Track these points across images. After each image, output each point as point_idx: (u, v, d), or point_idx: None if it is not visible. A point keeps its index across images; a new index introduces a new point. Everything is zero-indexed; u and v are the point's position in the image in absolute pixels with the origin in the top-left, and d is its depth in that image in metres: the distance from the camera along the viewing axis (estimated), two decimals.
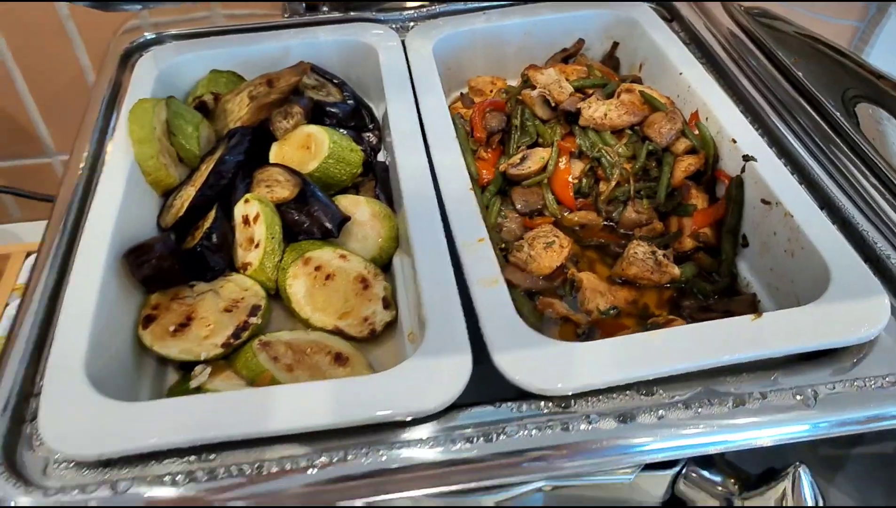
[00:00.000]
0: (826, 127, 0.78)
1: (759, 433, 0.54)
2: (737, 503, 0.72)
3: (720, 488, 0.73)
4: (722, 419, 0.54)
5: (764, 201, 0.71)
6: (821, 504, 0.70)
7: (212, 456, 0.53)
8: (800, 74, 0.85)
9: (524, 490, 0.73)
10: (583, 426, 0.54)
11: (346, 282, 0.72)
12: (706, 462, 0.73)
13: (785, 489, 0.69)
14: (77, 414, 0.54)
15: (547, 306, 0.71)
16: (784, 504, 0.69)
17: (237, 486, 0.51)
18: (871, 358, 0.58)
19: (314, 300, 0.71)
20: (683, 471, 0.74)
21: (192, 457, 0.53)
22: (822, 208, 0.69)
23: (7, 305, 0.98)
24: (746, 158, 0.74)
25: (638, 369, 0.56)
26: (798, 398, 0.55)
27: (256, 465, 0.52)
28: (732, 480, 0.73)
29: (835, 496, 0.96)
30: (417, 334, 0.65)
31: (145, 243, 0.70)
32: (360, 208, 0.77)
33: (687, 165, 0.78)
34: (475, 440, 0.53)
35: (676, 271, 0.72)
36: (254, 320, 0.68)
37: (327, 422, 0.53)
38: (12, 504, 0.51)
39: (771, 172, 0.71)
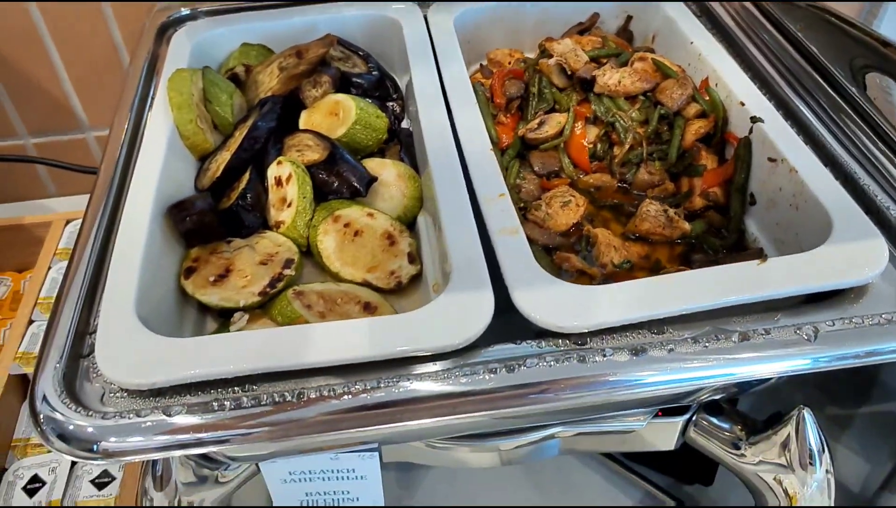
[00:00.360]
0: (832, 92, 0.82)
1: (763, 367, 0.58)
2: (744, 448, 0.76)
3: (728, 434, 0.77)
4: (728, 354, 0.58)
5: (770, 159, 0.74)
6: (825, 446, 0.74)
7: (255, 387, 0.58)
8: (809, 44, 0.88)
9: (541, 436, 0.77)
10: (598, 359, 0.58)
11: (373, 238, 0.76)
12: (715, 409, 0.77)
13: (789, 432, 0.73)
14: (130, 349, 0.58)
15: (563, 260, 0.75)
16: (788, 447, 0.73)
17: (280, 410, 0.56)
18: (869, 299, 0.61)
19: (343, 255, 0.75)
20: (693, 418, 0.78)
21: (237, 387, 0.58)
22: (825, 165, 0.72)
23: (50, 268, 1.03)
24: (754, 119, 0.77)
25: (650, 308, 0.60)
26: (799, 333, 0.59)
27: (297, 392, 0.57)
28: (740, 427, 0.77)
29: (841, 453, 1.00)
30: (442, 285, 0.70)
31: (187, 199, 0.75)
32: (386, 170, 0.82)
33: (697, 127, 0.82)
34: (497, 371, 0.58)
35: (687, 226, 0.76)
36: (288, 271, 0.72)
37: (361, 355, 0.57)
38: (73, 427, 0.55)
39: (777, 132, 0.75)
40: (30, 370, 0.91)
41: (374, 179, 0.79)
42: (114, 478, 0.83)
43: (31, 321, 0.97)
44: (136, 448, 0.55)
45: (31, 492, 0.83)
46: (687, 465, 0.94)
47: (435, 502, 0.98)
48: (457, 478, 1.00)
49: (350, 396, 0.56)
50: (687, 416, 0.77)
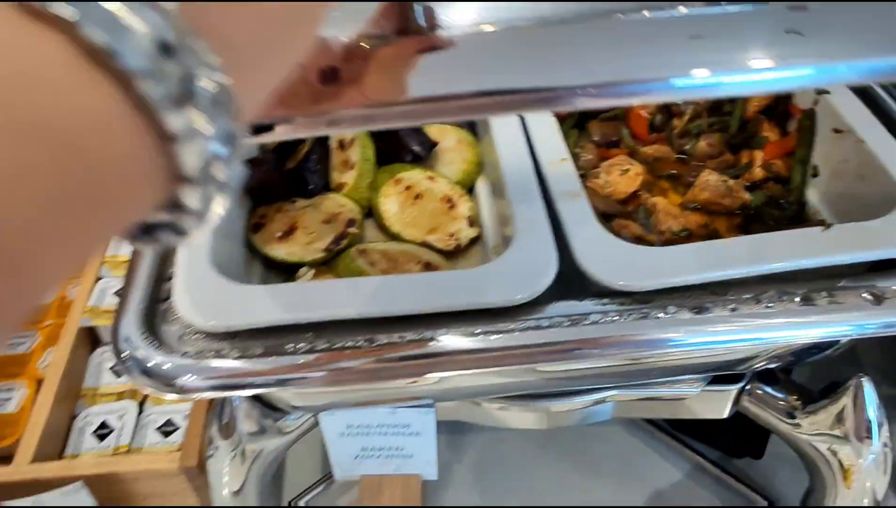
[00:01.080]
0: None
1: (827, 330, 0.59)
2: (799, 417, 0.76)
3: (783, 403, 0.77)
4: (792, 316, 0.59)
5: (836, 130, 0.74)
6: (884, 419, 0.73)
7: (320, 335, 0.60)
8: None
9: (592, 400, 0.78)
10: (661, 315, 0.59)
11: (433, 201, 0.78)
12: (770, 378, 0.78)
13: (846, 402, 0.73)
14: (206, 293, 0.61)
15: (622, 227, 0.76)
16: (845, 416, 0.73)
17: (356, 356, 0.58)
18: None
19: (404, 217, 0.77)
20: (747, 387, 0.78)
21: (310, 333, 0.60)
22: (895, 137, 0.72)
23: None
24: (819, 91, 0.77)
25: (713, 270, 0.60)
26: (866, 296, 0.59)
27: (364, 340, 0.58)
28: (795, 396, 0.77)
29: None
30: (503, 248, 0.71)
31: (253, 158, 0.77)
32: (447, 135, 0.83)
33: (759, 99, 0.82)
34: (561, 325, 0.59)
35: (747, 196, 0.76)
36: (352, 229, 0.74)
37: (429, 307, 0.59)
38: (153, 363, 0.58)
39: (844, 103, 0.74)
40: (98, 323, 0.94)
41: (434, 144, 0.81)
42: (178, 427, 0.86)
43: (98, 278, 1.00)
44: (209, 385, 0.58)
45: (100, 437, 0.86)
46: (737, 438, 0.94)
47: (482, 465, 1.00)
48: (505, 443, 1.02)
49: (418, 346, 0.58)
50: (741, 384, 0.77)
